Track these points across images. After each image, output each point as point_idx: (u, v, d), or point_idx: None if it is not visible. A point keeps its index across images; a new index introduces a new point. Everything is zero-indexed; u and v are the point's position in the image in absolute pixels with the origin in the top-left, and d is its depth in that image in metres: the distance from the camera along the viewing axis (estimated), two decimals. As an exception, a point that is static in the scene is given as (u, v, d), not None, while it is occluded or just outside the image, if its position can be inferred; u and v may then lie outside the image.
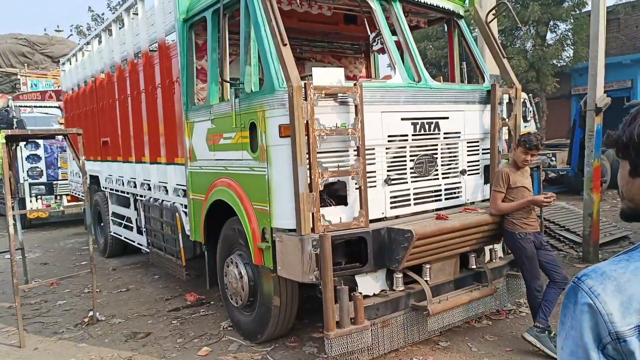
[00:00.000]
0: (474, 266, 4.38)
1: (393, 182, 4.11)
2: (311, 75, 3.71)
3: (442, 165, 4.46)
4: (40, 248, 10.04)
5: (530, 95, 18.63)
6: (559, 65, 21.97)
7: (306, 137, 3.55)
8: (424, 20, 5.46)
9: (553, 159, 13.16)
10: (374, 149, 3.98)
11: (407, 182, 4.21)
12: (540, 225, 4.53)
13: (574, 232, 7.29)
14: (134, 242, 7.20)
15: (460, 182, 4.59)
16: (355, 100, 3.71)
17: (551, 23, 21.22)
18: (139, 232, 6.88)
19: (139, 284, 6.83)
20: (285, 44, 3.60)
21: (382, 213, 4.05)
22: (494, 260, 4.60)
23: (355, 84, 3.71)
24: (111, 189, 7.85)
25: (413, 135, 4.19)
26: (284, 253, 3.71)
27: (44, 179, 12.34)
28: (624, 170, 1.08)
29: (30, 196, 12.17)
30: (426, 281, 4.05)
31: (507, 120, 4.84)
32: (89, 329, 5.14)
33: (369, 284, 3.88)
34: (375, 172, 4.01)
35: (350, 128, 3.71)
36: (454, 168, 4.56)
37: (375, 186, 4.02)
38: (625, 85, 22.14)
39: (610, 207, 11.25)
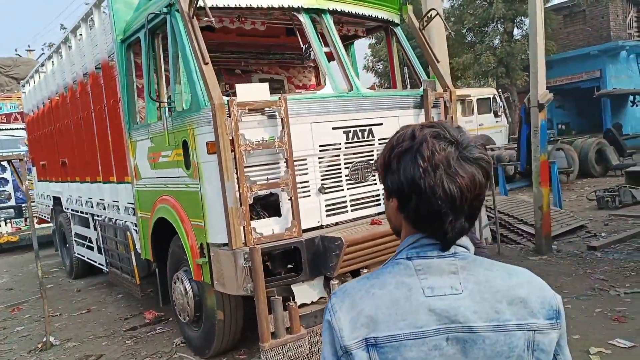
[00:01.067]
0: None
1: (328, 190, 4.18)
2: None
3: (379, 170, 4.53)
4: (9, 273, 9.96)
5: (500, 90, 18.97)
6: (527, 59, 22.30)
7: (233, 152, 3.61)
8: (362, 29, 5.56)
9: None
10: (305, 159, 4.05)
11: (343, 190, 4.29)
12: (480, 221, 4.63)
13: (531, 224, 7.43)
14: (95, 262, 7.18)
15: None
16: (281, 113, 3.78)
17: (517, 19, 21.64)
18: (100, 252, 6.88)
19: (102, 304, 6.81)
20: (207, 63, 3.66)
21: (319, 221, 4.12)
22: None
23: (279, 98, 3.79)
24: (72, 210, 7.83)
25: (346, 143, 4.27)
26: (219, 267, 3.76)
27: (12, 202, 12.23)
28: (392, 205, 1.11)
29: (0, 220, 12.07)
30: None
31: (443, 122, 4.93)
32: (42, 355, 5.13)
33: (306, 292, 3.94)
34: (308, 181, 4.08)
35: (277, 141, 3.77)
36: (392, 172, 4.64)
37: (309, 195, 4.08)
38: (594, 76, 22.59)
39: (577, 197, 11.49)
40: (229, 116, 3.59)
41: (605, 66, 22.39)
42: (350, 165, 4.32)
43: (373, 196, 4.49)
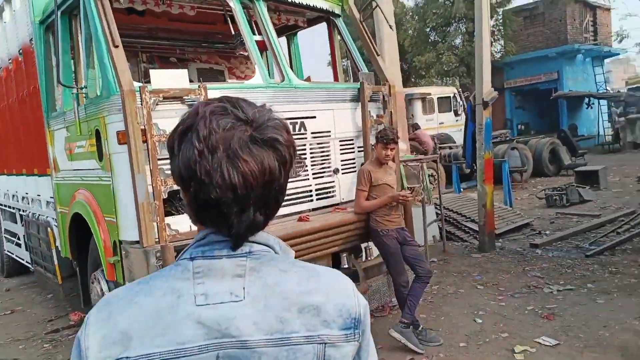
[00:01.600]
0: (346, 265, 4.32)
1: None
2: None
3: (312, 165, 4.36)
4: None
5: (460, 89, 19.14)
6: (487, 59, 22.45)
7: (145, 143, 3.36)
8: (302, 19, 5.37)
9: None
10: (229, 152, 3.83)
11: (270, 185, 4.09)
12: (409, 220, 4.50)
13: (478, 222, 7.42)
14: (23, 260, 6.76)
15: (333, 182, 4.51)
16: (200, 102, 3.54)
17: (478, 19, 21.87)
18: (26, 249, 6.47)
19: (29, 305, 6.40)
20: (117, 46, 3.39)
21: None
22: (370, 258, 4.56)
23: (199, 86, 3.55)
24: (1, 204, 7.36)
25: (275, 136, 4.07)
26: (131, 267, 3.50)
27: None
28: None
29: None
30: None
31: (382, 117, 4.80)
32: (-49, 359, 4.74)
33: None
34: (232, 176, 3.86)
35: (195, 132, 3.53)
36: (326, 167, 4.48)
37: (233, 191, 3.86)
38: (552, 77, 23.09)
39: (529, 195, 11.65)
40: (141, 104, 3.33)
41: (562, 68, 22.92)
42: (279, 159, 4.12)
43: (305, 192, 4.31)
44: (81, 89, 3.86)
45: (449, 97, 16.76)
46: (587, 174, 11.82)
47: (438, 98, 16.59)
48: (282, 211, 4.10)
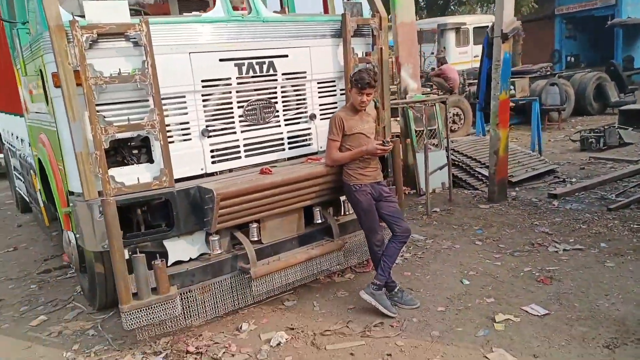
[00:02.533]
0: (318, 220, 4.00)
1: (215, 133, 3.63)
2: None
3: (284, 110, 3.95)
4: (-37, 202, 9.71)
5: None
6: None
7: (81, 86, 3.04)
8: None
9: (512, 87, 12.47)
10: (184, 96, 3.47)
11: (235, 133, 3.73)
12: (397, 172, 4.08)
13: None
14: (27, 198, 6.83)
15: (309, 129, 4.10)
16: (142, 40, 3.15)
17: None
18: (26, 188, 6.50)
19: (32, 242, 6.52)
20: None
21: (202, 169, 3.60)
22: (348, 213, 4.21)
23: (140, 20, 3.14)
24: (8, 143, 7.38)
25: (239, 78, 3.66)
26: (78, 220, 3.31)
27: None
28: None
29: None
30: (256, 241, 3.69)
31: (370, 55, 4.25)
32: (-57, 296, 4.87)
33: (184, 248, 3.52)
34: (188, 122, 3.52)
35: (138, 74, 3.17)
36: (301, 113, 4.06)
37: (190, 139, 3.54)
38: (609, 2, 20.82)
39: (564, 137, 10.77)
40: (73, 41, 2.98)
41: (623, -7, 20.53)
42: (244, 104, 3.73)
43: (276, 140, 3.93)
44: (23, 23, 3.52)
45: (486, 27, 15.38)
46: (633, 114, 10.70)
47: (474, 28, 15.28)
48: (250, 161, 3.77)
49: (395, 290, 3.75)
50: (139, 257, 3.19)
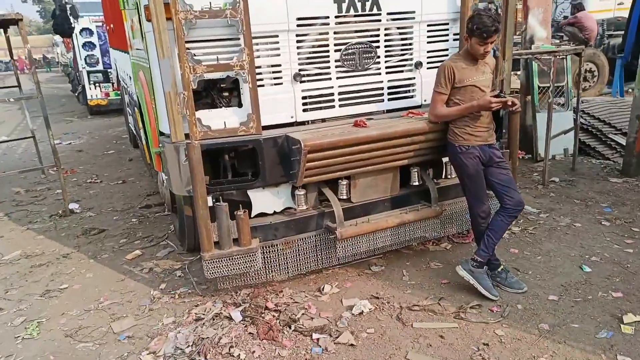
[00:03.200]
0: (416, 182, 3.58)
1: (307, 78, 3.31)
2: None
3: (386, 56, 3.49)
4: (89, 135, 10.60)
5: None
6: None
7: (171, 20, 2.85)
8: None
9: None
10: (277, 35, 3.17)
11: (330, 79, 3.38)
12: (513, 134, 3.47)
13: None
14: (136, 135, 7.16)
15: (413, 78, 3.61)
16: (234, -30, 2.85)
17: None
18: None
19: (139, 177, 6.87)
20: None
21: (292, 117, 3.33)
22: (451, 177, 3.73)
23: (234, -52, 2.83)
24: (122, 79, 7.74)
25: (337, 17, 3.25)
26: (167, 161, 3.23)
27: (100, 67, 12.68)
28: None
29: (89, 84, 12.70)
30: (345, 199, 3.40)
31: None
32: (60, 221, 5.28)
33: (268, 200, 3.32)
34: (281, 65, 3.23)
35: (230, 9, 2.91)
36: (406, 60, 3.57)
37: (281, 83, 3.26)
38: None
39: None
40: (164, -28, 2.77)
41: None
42: (342, 47, 3.33)
43: (373, 89, 3.52)
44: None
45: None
46: None
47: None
48: (345, 111, 3.43)
49: (499, 269, 3.28)
50: (222, 206, 3.05)
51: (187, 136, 3.07)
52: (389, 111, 3.61)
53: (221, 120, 3.12)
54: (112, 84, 12.65)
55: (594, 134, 6.10)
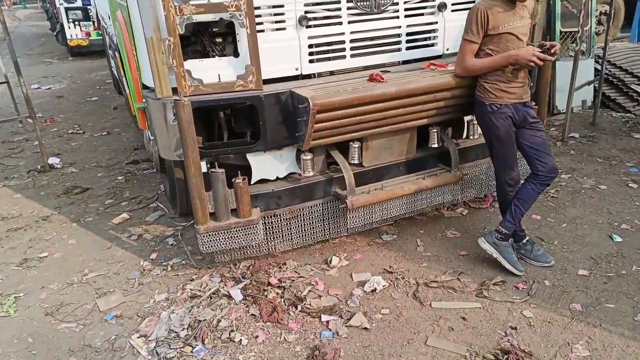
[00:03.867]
0: (435, 144, 3.20)
1: (315, 22, 2.83)
2: None
3: (406, -4, 3.01)
4: (70, 79, 9.95)
5: None
6: None
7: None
8: None
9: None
10: (279, -30, 2.66)
11: (340, 23, 2.90)
12: (542, 90, 3.06)
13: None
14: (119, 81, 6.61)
15: (435, 23, 3.14)
16: None
17: None
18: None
19: (125, 128, 6.40)
20: None
21: (297, 69, 2.88)
22: (472, 137, 3.34)
23: None
24: (102, 19, 7.07)
25: (352, -54, 2.74)
26: (152, 121, 2.80)
27: (79, 3, 11.74)
28: None
29: (68, 22, 11.83)
30: (356, 164, 3.02)
31: None
32: (38, 177, 4.87)
33: (270, 165, 2.94)
34: (283, 6, 2.74)
35: None
36: (428, 1, 3.08)
37: (284, 28, 2.79)
38: None
39: None
40: None
41: None
42: (356, -16, 2.84)
43: (391, 36, 3.05)
44: None
45: None
46: None
47: None
48: (357, 62, 2.98)
49: (524, 241, 2.98)
50: (218, 173, 2.66)
51: (174, 91, 2.63)
52: (406, 62, 3.16)
53: (214, 72, 2.67)
54: (93, 22, 11.80)
55: (614, 84, 5.68)
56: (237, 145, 2.79)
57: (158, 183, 4.51)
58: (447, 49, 3.20)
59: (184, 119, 2.49)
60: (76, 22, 11.84)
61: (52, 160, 5.20)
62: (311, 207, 3.01)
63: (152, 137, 2.95)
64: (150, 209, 4.04)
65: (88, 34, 11.96)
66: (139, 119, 3.18)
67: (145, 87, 2.87)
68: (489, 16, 2.58)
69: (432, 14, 3.12)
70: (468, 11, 2.69)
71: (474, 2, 3.18)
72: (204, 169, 2.76)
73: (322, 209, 3.04)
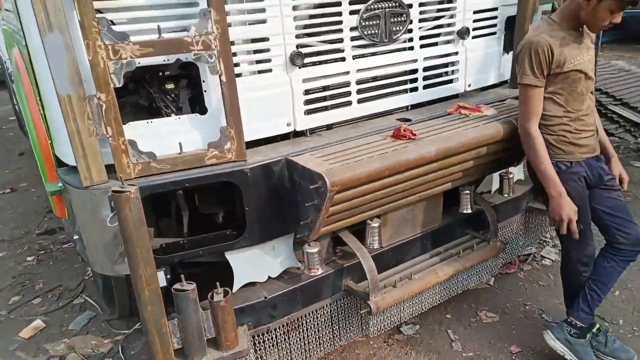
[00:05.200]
0: (468, 210, 2.47)
1: (310, 59, 2.02)
2: None
3: (420, 20, 2.27)
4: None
5: None
6: None
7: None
8: None
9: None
10: (262, -8, 1.82)
11: (344, 59, 2.11)
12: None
13: (635, 107, 5.11)
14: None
15: (456, 54, 2.43)
16: None
17: None
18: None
19: (34, 180, 5.15)
20: None
21: (289, 124, 2.03)
22: (507, 193, 2.65)
23: None
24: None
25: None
26: (77, 218, 1.83)
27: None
28: None
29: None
30: (375, 247, 2.22)
31: None
32: None
33: (260, 263, 2.05)
34: (268, 39, 1.90)
35: None
36: (446, 26, 2.37)
37: (269, 70, 1.94)
38: None
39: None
40: None
41: None
42: (362, 7, 2.06)
43: (404, 73, 2.30)
44: None
45: None
46: None
47: None
48: (364, 109, 2.19)
49: (594, 330, 2.30)
50: (187, 293, 1.74)
51: (109, 169, 1.70)
52: (418, 105, 2.42)
53: (172, 139, 1.76)
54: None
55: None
56: (212, 242, 1.89)
57: (83, 264, 3.44)
58: (469, 85, 2.51)
59: (131, 218, 1.56)
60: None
61: (-64, 237, 3.94)
62: (316, 311, 2.16)
63: (76, 237, 1.97)
64: (76, 308, 2.98)
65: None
66: (53, 205, 2.17)
67: (60, 162, 1.90)
68: (553, 50, 1.89)
69: (450, 41, 2.40)
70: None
71: (493, 30, 2.52)
72: (162, 281, 1.83)
73: (331, 311, 2.20)
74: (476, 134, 2.01)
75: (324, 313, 2.18)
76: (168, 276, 1.85)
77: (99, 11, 1.52)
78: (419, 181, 2.01)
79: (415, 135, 1.96)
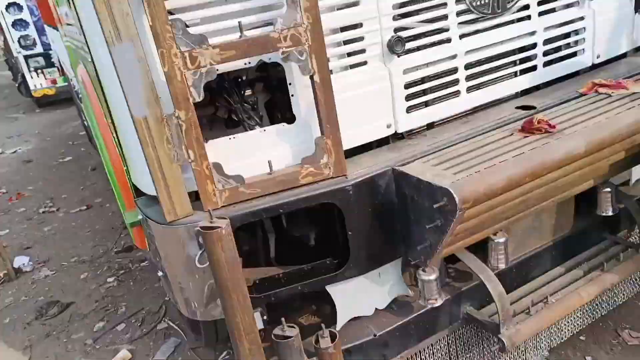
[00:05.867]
0: (609, 211, 2.03)
1: (411, 45, 1.67)
2: None
3: (541, -18, 1.86)
4: (39, 136, 8.71)
5: None
6: None
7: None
8: None
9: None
10: (352, -38, 1.50)
11: (449, 40, 1.74)
12: None
13: None
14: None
15: (582, 18, 1.98)
16: None
17: None
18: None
19: (109, 195, 5.13)
20: None
21: (389, 125, 1.70)
22: (651, 186, 2.19)
23: None
24: (64, 65, 5.86)
25: None
26: (161, 256, 1.60)
27: (39, 49, 10.48)
28: None
29: (30, 72, 10.55)
30: (501, 267, 1.85)
31: None
32: (3, 290, 3.63)
33: (366, 294, 1.74)
34: (362, 25, 1.57)
35: None
36: (568, -11, 1.94)
37: (364, 62, 1.62)
38: None
39: None
40: None
41: None
42: (469, -27, 1.68)
43: (521, 49, 1.90)
44: None
45: None
46: None
47: None
48: (476, 99, 1.81)
49: None
50: (292, 341, 1.46)
51: (191, 195, 1.45)
52: (535, 88, 2.01)
53: (260, 157, 1.48)
54: (58, 68, 10.53)
55: None
56: (312, 275, 1.60)
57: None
58: (598, 56, 2.06)
59: (224, 259, 1.30)
60: (39, 70, 10.57)
61: (20, 261, 3.96)
62: (432, 345, 1.83)
63: (160, 273, 1.75)
64: (160, 334, 2.83)
65: (54, 82, 10.65)
66: (132, 236, 1.97)
67: (137, 190, 1.68)
68: None
69: (574, 4, 1.97)
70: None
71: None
72: (259, 323, 1.57)
73: (449, 344, 1.86)
74: (634, 119, 1.59)
75: (440, 347, 1.85)
76: (265, 317, 1.59)
77: (171, 12, 1.25)
78: (559, 183, 1.62)
79: (554, 127, 1.56)
